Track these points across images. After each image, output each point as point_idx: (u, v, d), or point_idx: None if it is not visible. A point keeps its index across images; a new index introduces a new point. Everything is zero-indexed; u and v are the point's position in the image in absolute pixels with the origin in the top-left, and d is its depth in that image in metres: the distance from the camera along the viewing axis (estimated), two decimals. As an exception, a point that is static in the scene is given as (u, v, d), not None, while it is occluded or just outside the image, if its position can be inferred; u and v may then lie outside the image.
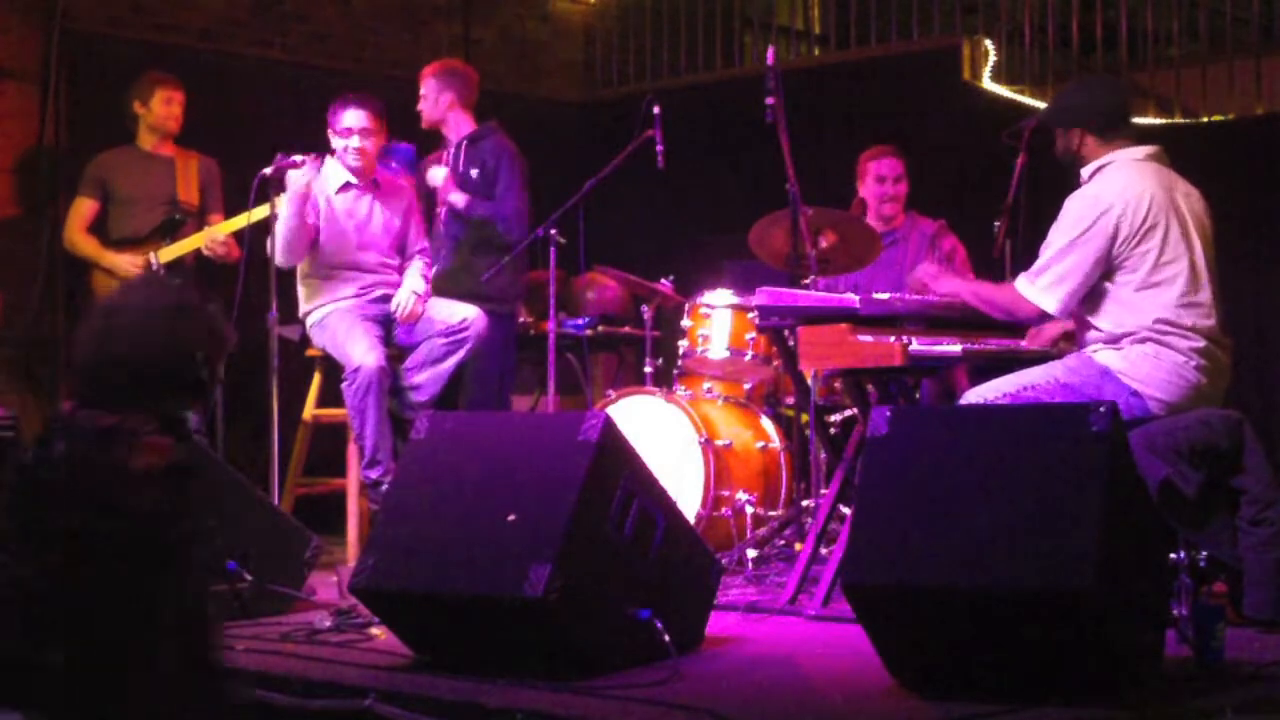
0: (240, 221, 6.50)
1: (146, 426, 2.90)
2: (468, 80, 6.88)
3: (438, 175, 6.69)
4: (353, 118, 6.29)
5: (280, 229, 6.17)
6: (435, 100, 6.81)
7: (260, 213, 6.32)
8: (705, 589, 4.44)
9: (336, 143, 6.33)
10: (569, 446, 4.05)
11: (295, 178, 6.15)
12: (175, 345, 3.01)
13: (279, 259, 6.20)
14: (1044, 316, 4.65)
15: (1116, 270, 4.55)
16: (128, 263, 6.53)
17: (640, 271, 6.70)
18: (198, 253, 6.63)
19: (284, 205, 6.17)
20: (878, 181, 6.54)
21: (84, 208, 6.69)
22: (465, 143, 6.77)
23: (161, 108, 6.73)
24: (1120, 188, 4.58)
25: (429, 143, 6.99)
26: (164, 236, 6.61)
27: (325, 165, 6.30)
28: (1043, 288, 4.56)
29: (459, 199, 6.65)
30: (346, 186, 6.38)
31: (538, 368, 7.05)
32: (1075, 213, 4.59)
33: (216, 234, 6.58)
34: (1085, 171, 4.71)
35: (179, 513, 2.88)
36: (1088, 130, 4.70)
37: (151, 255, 6.55)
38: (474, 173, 6.72)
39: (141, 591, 2.83)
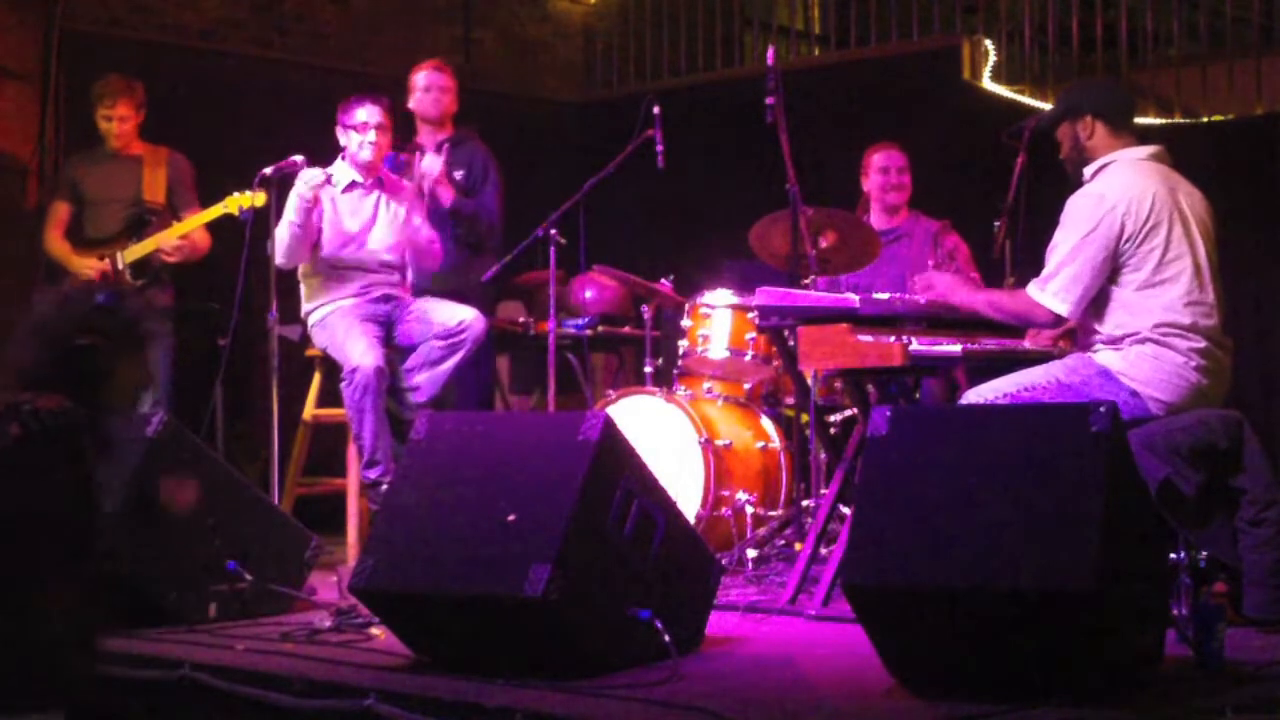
0: (193, 223, 6.51)
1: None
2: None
3: (434, 165, 6.71)
4: (368, 113, 6.30)
5: (284, 233, 6.17)
6: (454, 98, 6.91)
7: (211, 215, 6.39)
8: (705, 589, 4.43)
9: (350, 138, 6.32)
10: (569, 446, 4.05)
11: (305, 185, 6.14)
12: (50, 339, 3.43)
13: (279, 260, 6.21)
14: (1058, 321, 4.63)
15: (1121, 270, 4.54)
16: (89, 265, 6.54)
17: (640, 271, 6.70)
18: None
19: (290, 209, 6.18)
20: (881, 173, 6.60)
21: (59, 211, 6.72)
22: (448, 144, 6.84)
23: (102, 124, 6.71)
24: (1123, 186, 4.57)
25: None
26: (130, 236, 6.61)
27: (334, 169, 6.32)
28: (1054, 292, 4.54)
29: (446, 193, 6.68)
30: (352, 186, 6.38)
31: (538, 368, 7.05)
32: (1079, 212, 4.57)
33: (168, 238, 6.57)
34: (1088, 171, 4.70)
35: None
36: (1100, 118, 4.68)
37: (117, 255, 6.55)
38: (458, 174, 6.79)
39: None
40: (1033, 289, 4.61)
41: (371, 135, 6.29)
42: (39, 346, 3.42)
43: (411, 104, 6.89)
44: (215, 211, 6.40)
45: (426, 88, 6.87)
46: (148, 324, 3.55)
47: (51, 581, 3.26)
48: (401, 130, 6.84)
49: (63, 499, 3.28)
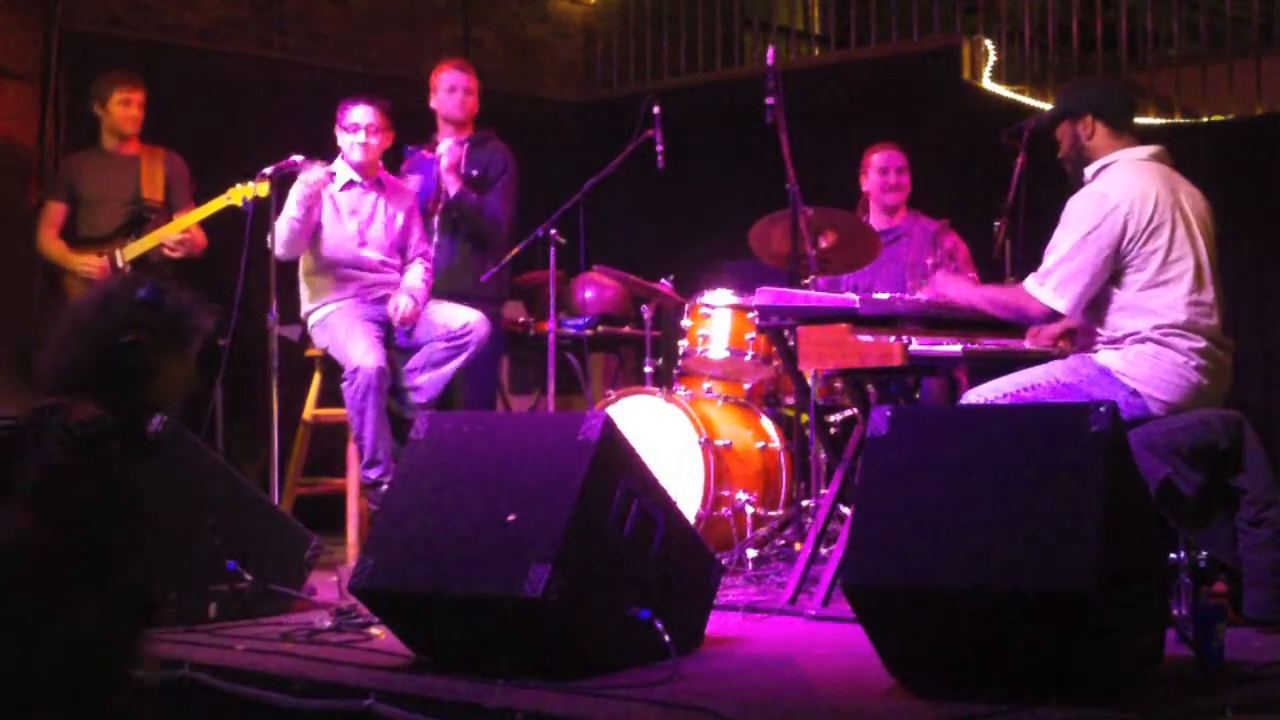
0: (196, 216, 6.50)
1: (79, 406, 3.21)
2: None
3: (450, 149, 6.68)
4: (360, 114, 6.31)
5: (284, 225, 6.19)
6: (477, 98, 6.87)
7: (214, 207, 6.37)
8: (705, 589, 4.43)
9: (343, 139, 6.34)
10: (569, 446, 4.05)
11: (310, 178, 6.15)
12: (92, 337, 3.30)
13: (279, 251, 6.21)
14: (1054, 316, 4.63)
15: (1124, 271, 4.54)
16: (91, 263, 6.52)
17: (640, 271, 6.70)
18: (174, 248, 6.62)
19: (293, 200, 6.18)
20: (880, 173, 6.60)
21: (52, 212, 6.69)
22: (468, 143, 6.81)
23: (118, 109, 6.68)
24: (1126, 186, 4.57)
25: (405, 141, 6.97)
26: (129, 235, 6.60)
27: (335, 166, 6.32)
28: (1052, 288, 4.55)
29: (453, 183, 6.66)
30: (350, 185, 6.39)
31: (538, 368, 7.05)
32: (1082, 211, 4.57)
33: (169, 233, 6.56)
34: (1089, 171, 4.70)
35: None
36: (1100, 118, 4.68)
37: (116, 253, 6.54)
38: (474, 172, 6.76)
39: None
40: (1030, 283, 4.61)
41: (361, 136, 6.30)
42: (80, 346, 3.31)
43: (434, 104, 6.86)
44: (218, 204, 6.38)
45: (451, 88, 6.83)
46: (193, 319, 3.44)
47: (77, 598, 3.20)
48: (423, 128, 6.84)
49: (87, 516, 3.19)
